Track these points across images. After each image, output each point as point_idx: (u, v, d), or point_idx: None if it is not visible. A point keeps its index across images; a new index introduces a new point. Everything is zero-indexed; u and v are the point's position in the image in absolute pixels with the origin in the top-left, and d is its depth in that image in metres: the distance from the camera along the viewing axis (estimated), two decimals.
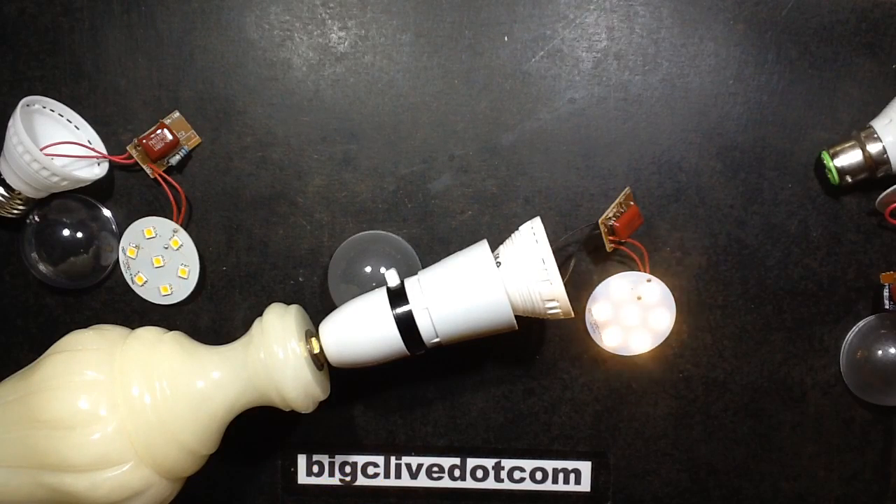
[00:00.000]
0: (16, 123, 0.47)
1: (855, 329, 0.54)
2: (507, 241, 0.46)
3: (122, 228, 0.52)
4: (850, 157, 0.50)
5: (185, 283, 0.52)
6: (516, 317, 0.45)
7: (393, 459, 0.56)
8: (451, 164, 0.53)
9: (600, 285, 0.51)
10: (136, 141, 0.51)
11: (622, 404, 0.55)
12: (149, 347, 0.45)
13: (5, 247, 0.53)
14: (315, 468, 0.56)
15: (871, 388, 0.54)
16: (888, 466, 0.55)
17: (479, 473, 0.56)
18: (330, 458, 0.56)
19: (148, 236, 0.52)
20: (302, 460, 0.56)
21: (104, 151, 0.52)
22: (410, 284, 0.46)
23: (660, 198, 0.53)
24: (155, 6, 0.51)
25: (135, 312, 0.54)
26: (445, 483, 0.56)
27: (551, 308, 0.45)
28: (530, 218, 0.47)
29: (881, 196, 0.51)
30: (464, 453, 0.56)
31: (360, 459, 0.56)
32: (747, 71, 0.52)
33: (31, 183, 0.49)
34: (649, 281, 0.50)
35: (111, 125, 0.52)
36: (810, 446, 0.55)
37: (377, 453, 0.56)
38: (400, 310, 0.45)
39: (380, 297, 0.46)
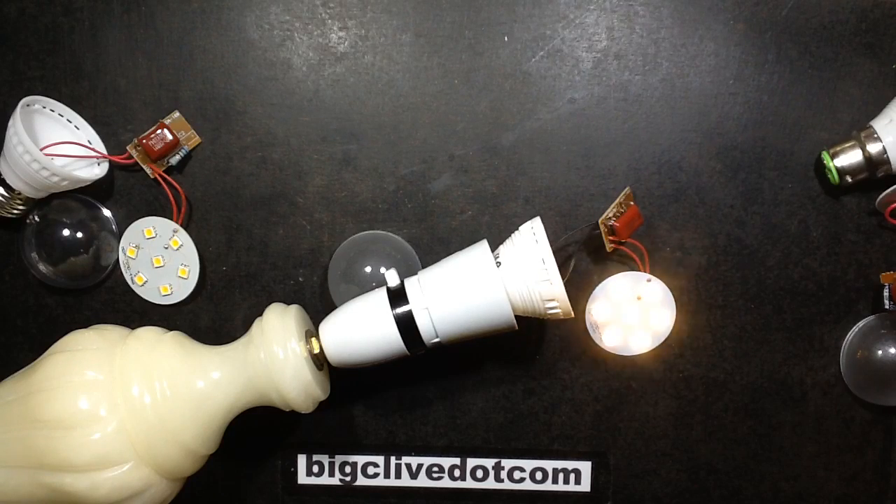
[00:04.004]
0: (16, 123, 0.47)
1: (855, 329, 0.54)
2: (507, 241, 0.46)
3: (122, 228, 0.52)
4: (850, 157, 0.50)
5: (185, 283, 0.52)
6: (516, 317, 0.45)
7: (393, 459, 0.56)
8: (451, 164, 0.53)
9: (600, 285, 0.51)
10: (136, 141, 0.51)
11: (622, 404, 0.55)
12: (149, 347, 0.45)
13: (5, 247, 0.53)
14: (315, 468, 0.56)
15: (871, 388, 0.54)
16: (888, 466, 0.55)
17: (479, 473, 0.56)
18: (330, 458, 0.56)
19: (148, 236, 0.52)
20: (302, 460, 0.56)
21: (104, 151, 0.52)
22: (410, 284, 0.46)
23: (660, 198, 0.53)
24: (155, 6, 0.51)
25: (135, 312, 0.54)
26: (445, 483, 0.56)
27: (551, 308, 0.45)
28: (530, 218, 0.47)
29: (881, 196, 0.51)
30: (464, 453, 0.56)
31: (360, 459, 0.56)
32: (747, 71, 0.52)
33: (31, 183, 0.48)
34: (649, 281, 0.50)
35: (111, 125, 0.52)
36: (810, 446, 0.55)
37: (377, 453, 0.56)
38: (400, 310, 0.45)
39: (380, 297, 0.46)
